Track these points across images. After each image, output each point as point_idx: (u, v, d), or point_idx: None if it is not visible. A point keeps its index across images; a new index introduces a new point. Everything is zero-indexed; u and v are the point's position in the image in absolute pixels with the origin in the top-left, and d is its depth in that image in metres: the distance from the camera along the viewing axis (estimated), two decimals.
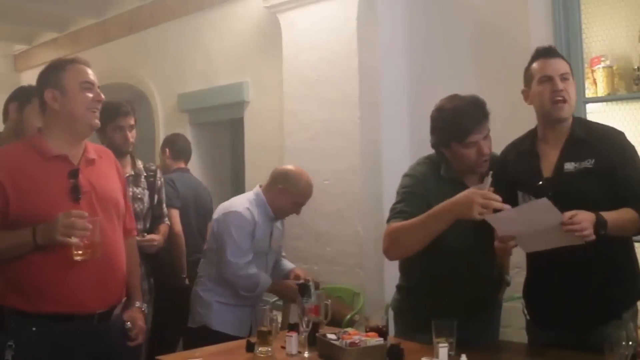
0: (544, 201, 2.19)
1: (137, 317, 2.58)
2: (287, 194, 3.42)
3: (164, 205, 3.80)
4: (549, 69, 2.45)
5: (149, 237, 3.53)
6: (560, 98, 2.42)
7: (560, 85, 2.41)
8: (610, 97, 3.72)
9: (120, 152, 3.46)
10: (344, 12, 4.40)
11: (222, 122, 5.91)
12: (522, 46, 3.67)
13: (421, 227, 2.43)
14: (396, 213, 2.56)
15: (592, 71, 3.75)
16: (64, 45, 7.22)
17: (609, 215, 2.24)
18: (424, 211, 2.43)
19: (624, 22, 3.72)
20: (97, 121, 2.43)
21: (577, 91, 3.67)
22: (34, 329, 2.27)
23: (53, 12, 6.82)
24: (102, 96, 2.43)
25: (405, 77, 4.42)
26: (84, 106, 2.38)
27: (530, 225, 2.25)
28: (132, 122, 3.58)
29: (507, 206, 2.28)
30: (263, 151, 5.19)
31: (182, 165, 4.61)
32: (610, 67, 3.70)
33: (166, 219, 3.80)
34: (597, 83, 3.73)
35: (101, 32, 6.80)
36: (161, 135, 5.58)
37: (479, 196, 2.25)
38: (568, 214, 2.19)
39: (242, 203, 3.43)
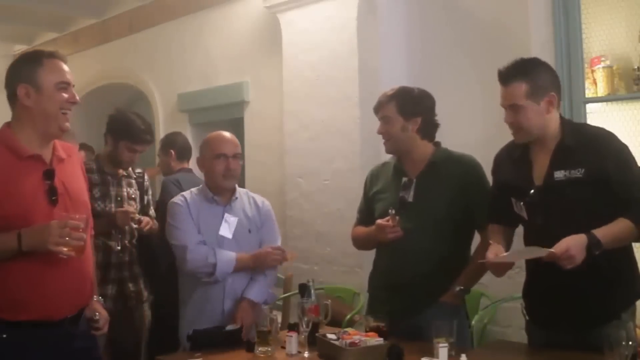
0: (544, 250, 2.23)
1: (98, 307, 2.49)
2: (204, 158, 3.03)
3: (152, 207, 3.82)
4: (502, 97, 2.45)
5: (144, 221, 3.55)
6: (511, 130, 2.46)
7: (509, 117, 2.43)
8: (610, 97, 3.71)
9: (120, 165, 3.52)
10: (344, 12, 4.40)
11: (222, 122, 5.89)
12: (523, 46, 3.68)
13: (364, 240, 3.03)
14: (357, 213, 3.11)
15: (592, 71, 3.75)
16: (64, 45, 7.21)
17: (602, 232, 2.22)
18: (367, 209, 3.00)
19: (624, 22, 3.71)
20: (68, 124, 2.32)
21: (577, 91, 3.71)
22: (4, 336, 2.20)
23: (53, 12, 6.82)
24: (77, 98, 2.34)
25: (405, 77, 4.42)
26: (58, 106, 2.28)
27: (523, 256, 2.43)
28: (146, 148, 3.63)
29: None
30: (263, 151, 5.19)
31: (185, 165, 4.60)
32: (610, 67, 3.70)
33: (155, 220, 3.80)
34: (597, 83, 3.73)
35: (101, 32, 6.80)
36: (161, 136, 5.57)
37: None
38: (560, 249, 2.18)
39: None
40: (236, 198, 3.05)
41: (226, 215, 2.98)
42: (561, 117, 2.49)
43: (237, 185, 3.12)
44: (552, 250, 2.20)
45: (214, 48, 5.66)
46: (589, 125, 2.61)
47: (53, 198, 2.26)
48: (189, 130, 5.78)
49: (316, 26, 4.57)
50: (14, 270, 2.19)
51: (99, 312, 2.46)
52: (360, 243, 3.09)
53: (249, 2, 5.28)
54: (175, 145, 4.59)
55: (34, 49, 2.39)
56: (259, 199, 3.15)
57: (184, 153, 4.60)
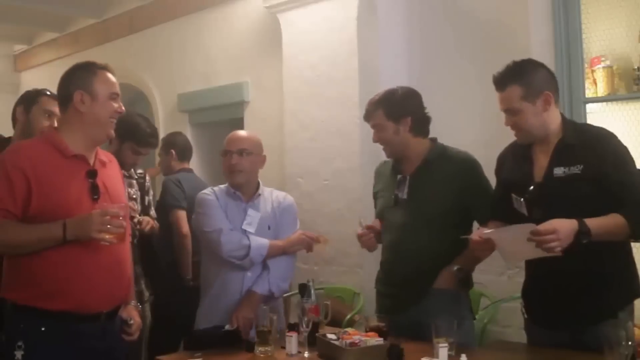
0: (530, 225, 2.24)
1: (135, 314, 2.60)
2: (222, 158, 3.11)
3: (153, 208, 3.83)
4: (499, 102, 2.50)
5: (144, 221, 3.57)
6: (514, 132, 2.52)
7: (508, 120, 2.50)
8: (610, 97, 3.72)
9: (122, 166, 3.51)
10: (344, 12, 4.40)
11: (222, 122, 5.90)
12: (523, 46, 3.68)
13: None
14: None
15: (592, 71, 3.75)
16: (64, 45, 7.22)
17: (593, 222, 2.22)
18: (376, 208, 3.07)
19: (624, 22, 3.71)
20: (112, 131, 2.51)
21: (577, 91, 3.71)
22: (43, 328, 2.28)
23: (53, 12, 6.82)
24: (123, 108, 2.51)
25: (405, 77, 4.42)
26: (108, 115, 2.45)
27: (510, 237, 2.37)
28: (150, 152, 3.66)
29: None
30: None
31: (186, 165, 4.60)
32: (610, 67, 3.70)
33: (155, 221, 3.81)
34: (597, 83, 3.73)
35: (101, 32, 6.80)
36: (161, 136, 5.58)
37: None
38: (547, 227, 2.19)
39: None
40: (259, 194, 3.09)
41: (250, 210, 3.04)
42: (563, 117, 2.52)
43: (260, 182, 3.14)
44: (539, 227, 2.20)
45: (214, 48, 5.66)
46: (590, 125, 2.64)
47: (95, 197, 2.38)
48: (189, 130, 5.77)
49: (316, 26, 4.57)
50: (53, 258, 2.28)
51: (134, 318, 2.55)
52: None
53: (249, 2, 5.28)
54: (176, 145, 4.60)
55: (87, 61, 2.52)
56: (282, 195, 3.19)
57: (184, 153, 4.61)
